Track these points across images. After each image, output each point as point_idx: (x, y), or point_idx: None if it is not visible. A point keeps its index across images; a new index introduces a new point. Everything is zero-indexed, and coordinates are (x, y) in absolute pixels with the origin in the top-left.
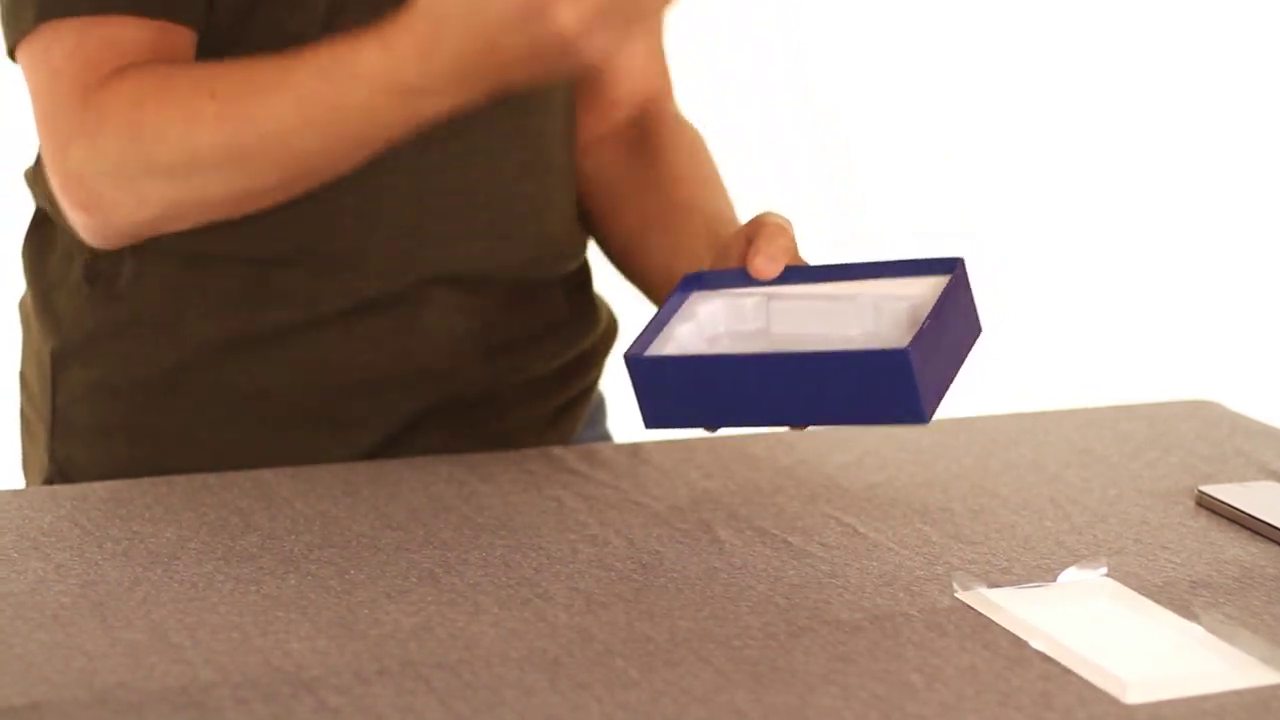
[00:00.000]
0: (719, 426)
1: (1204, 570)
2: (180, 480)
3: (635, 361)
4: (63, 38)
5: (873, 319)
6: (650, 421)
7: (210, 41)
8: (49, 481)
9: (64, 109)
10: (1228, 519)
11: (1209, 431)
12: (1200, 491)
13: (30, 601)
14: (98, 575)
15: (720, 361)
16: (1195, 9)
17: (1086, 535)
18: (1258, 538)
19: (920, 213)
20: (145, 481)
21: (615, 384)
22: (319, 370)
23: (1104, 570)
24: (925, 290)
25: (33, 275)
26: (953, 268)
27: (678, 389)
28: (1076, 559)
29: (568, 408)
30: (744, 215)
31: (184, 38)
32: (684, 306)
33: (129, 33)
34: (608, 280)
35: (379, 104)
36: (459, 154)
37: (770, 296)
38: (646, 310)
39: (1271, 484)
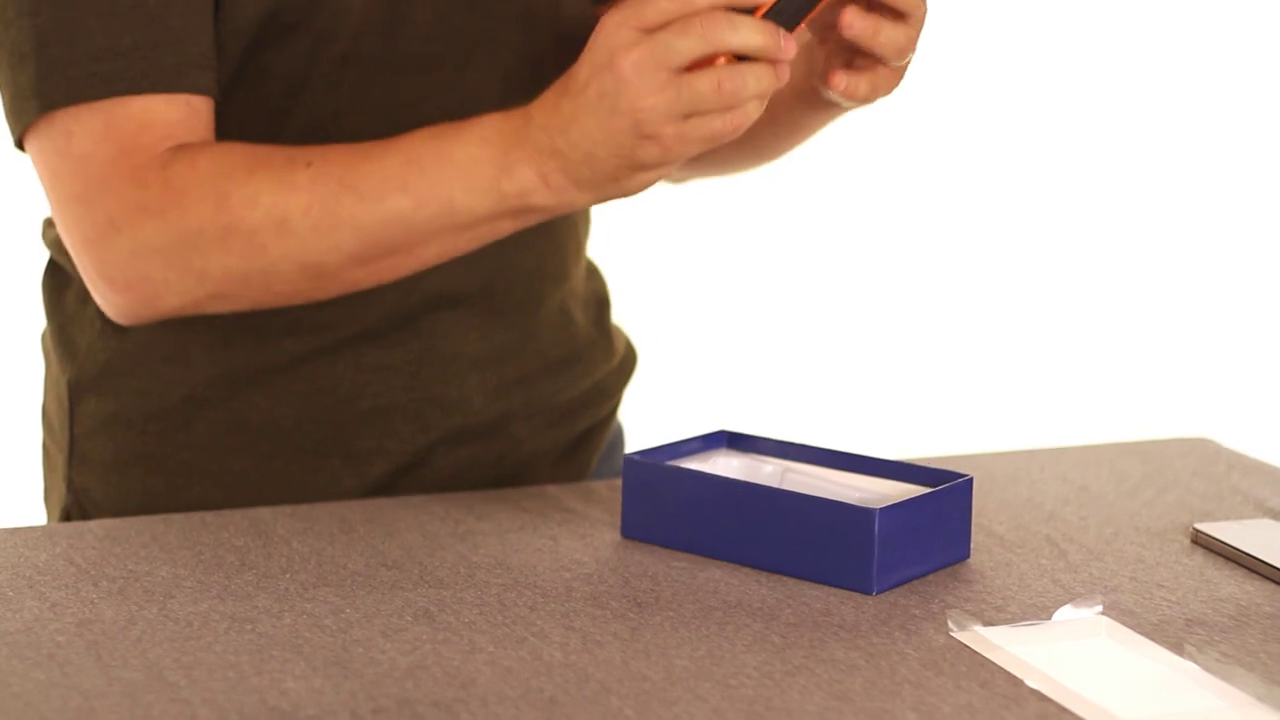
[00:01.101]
0: (690, 551)
1: (1199, 608)
2: (176, 519)
3: (631, 463)
4: (86, 122)
5: None
6: (628, 529)
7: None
8: (66, 512)
9: (110, 191)
10: (1223, 557)
11: (1205, 469)
12: (1196, 529)
13: (26, 640)
14: (93, 614)
15: (709, 479)
16: (1195, 16)
17: (1082, 573)
18: (1253, 575)
19: (916, 223)
20: (140, 519)
21: (633, 415)
22: (330, 401)
23: (1099, 608)
24: None
25: (51, 309)
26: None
27: (664, 499)
28: (1072, 597)
29: (585, 438)
30: (748, 216)
31: (207, 108)
32: (705, 452)
33: (159, 110)
34: (627, 310)
35: (481, 161)
36: None
37: (787, 469)
38: (666, 340)
39: (1268, 522)
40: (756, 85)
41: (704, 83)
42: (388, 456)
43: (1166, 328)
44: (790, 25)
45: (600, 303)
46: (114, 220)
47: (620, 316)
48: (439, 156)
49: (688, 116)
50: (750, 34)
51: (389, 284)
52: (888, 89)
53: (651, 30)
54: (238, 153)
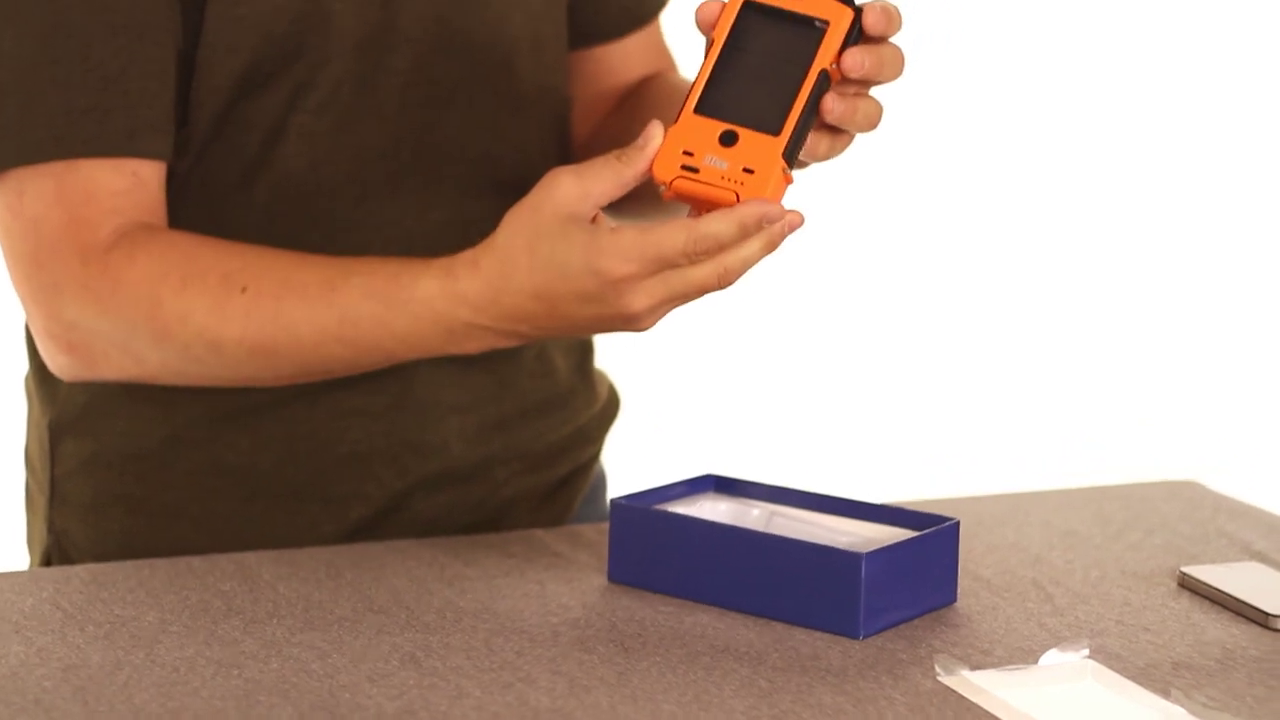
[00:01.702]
0: (677, 595)
1: (1186, 652)
2: (162, 563)
3: (618, 508)
4: (37, 183)
5: None
6: (615, 573)
7: (186, 157)
8: (47, 554)
9: (58, 258)
10: (1210, 600)
11: (1191, 512)
12: (1182, 572)
13: (12, 686)
14: (79, 659)
15: (696, 524)
16: (1195, 30)
17: (1068, 617)
18: (1240, 619)
19: (900, 265)
20: (127, 564)
21: (616, 459)
22: (308, 444)
23: (1086, 652)
24: None
25: (33, 349)
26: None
27: (651, 543)
28: (1058, 641)
29: (566, 482)
30: None
31: (156, 175)
32: (691, 496)
33: (104, 180)
34: (610, 356)
35: (424, 333)
36: (443, 229)
37: (774, 513)
38: (650, 388)
39: (1254, 565)
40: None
41: (696, 297)
42: (366, 501)
43: (1153, 371)
44: (809, 128)
45: (583, 348)
46: (60, 288)
47: (604, 358)
48: (376, 323)
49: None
50: (759, 255)
51: None
52: (844, 147)
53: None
54: (172, 257)
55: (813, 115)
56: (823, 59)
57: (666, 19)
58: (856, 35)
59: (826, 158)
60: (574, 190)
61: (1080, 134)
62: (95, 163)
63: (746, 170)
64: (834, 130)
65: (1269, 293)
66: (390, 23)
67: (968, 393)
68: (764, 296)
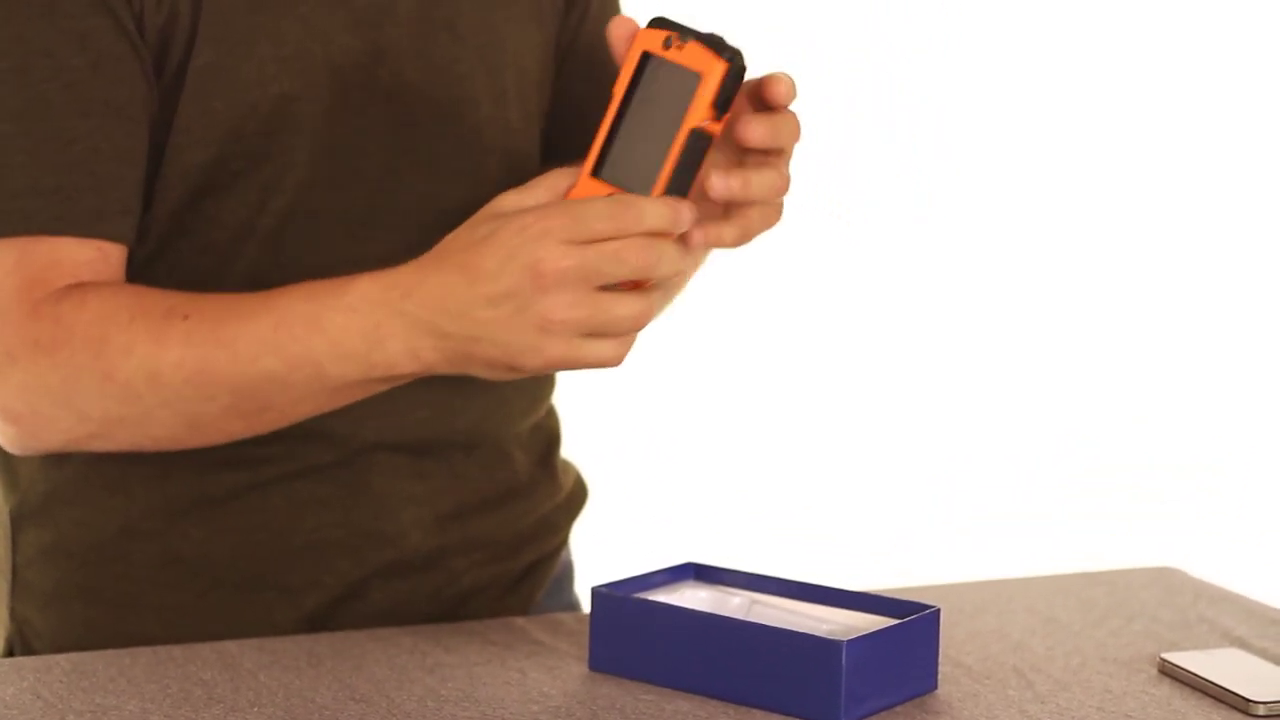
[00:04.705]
0: (658, 683)
1: None
2: (143, 652)
3: (599, 596)
4: (2, 256)
5: None
6: (596, 661)
7: (146, 244)
8: (9, 643)
9: (9, 323)
10: (1190, 687)
11: (1172, 598)
12: (1163, 659)
13: None
14: None
15: (678, 612)
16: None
17: (1049, 704)
18: (1220, 705)
19: (875, 351)
20: (108, 653)
21: (583, 550)
22: (263, 534)
23: None
24: None
25: None
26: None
27: (632, 631)
28: None
29: (529, 572)
30: (706, 346)
31: (119, 254)
32: (672, 584)
33: (68, 251)
34: (579, 444)
35: (352, 330)
36: None
37: (755, 601)
38: (621, 477)
39: (1234, 651)
40: (654, 313)
41: (623, 308)
42: (322, 589)
43: (1149, 369)
44: (686, 189)
45: (549, 439)
46: (10, 353)
47: (578, 447)
48: (309, 322)
49: (587, 336)
50: (674, 261)
51: (326, 435)
52: (765, 226)
53: (579, 243)
54: (123, 297)
55: (690, 172)
56: (694, 116)
57: None
58: (732, 90)
59: (738, 244)
60: (538, 224)
61: (1070, 150)
62: (57, 239)
63: None
64: (736, 211)
65: (1264, 289)
66: (364, 129)
67: (950, 480)
68: (733, 379)
